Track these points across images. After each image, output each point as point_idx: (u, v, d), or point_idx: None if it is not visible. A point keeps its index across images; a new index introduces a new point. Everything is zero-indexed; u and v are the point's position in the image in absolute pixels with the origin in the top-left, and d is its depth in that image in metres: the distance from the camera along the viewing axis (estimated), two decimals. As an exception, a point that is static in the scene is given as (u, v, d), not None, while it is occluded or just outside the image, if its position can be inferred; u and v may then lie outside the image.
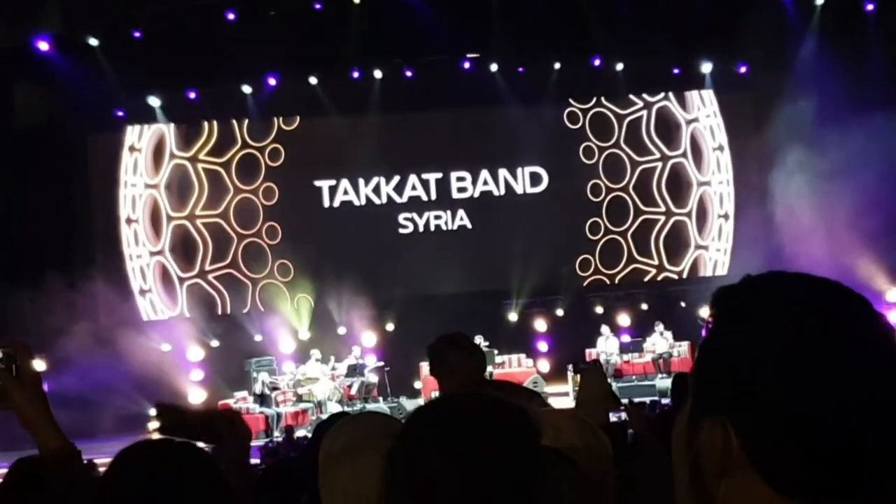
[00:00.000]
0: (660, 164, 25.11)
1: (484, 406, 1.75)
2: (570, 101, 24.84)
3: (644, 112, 25.03)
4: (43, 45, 21.20)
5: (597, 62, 24.06)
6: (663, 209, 25.10)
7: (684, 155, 25.17)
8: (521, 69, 23.91)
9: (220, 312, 23.93)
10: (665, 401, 19.00)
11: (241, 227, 24.04)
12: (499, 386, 4.43)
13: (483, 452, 1.66)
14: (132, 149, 23.62)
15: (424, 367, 21.74)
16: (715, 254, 25.01)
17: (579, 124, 24.89)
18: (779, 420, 1.34)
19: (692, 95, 24.93)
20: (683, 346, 22.05)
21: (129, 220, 23.57)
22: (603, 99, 24.94)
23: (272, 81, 23.28)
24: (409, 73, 23.62)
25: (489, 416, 1.73)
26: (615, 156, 25.03)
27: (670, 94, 24.96)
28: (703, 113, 24.97)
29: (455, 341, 4.73)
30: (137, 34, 21.51)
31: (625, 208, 25.10)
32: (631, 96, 24.96)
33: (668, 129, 25.11)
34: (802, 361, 1.35)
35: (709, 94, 24.87)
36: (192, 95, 23.17)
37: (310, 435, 17.01)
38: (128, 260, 23.53)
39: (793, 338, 1.37)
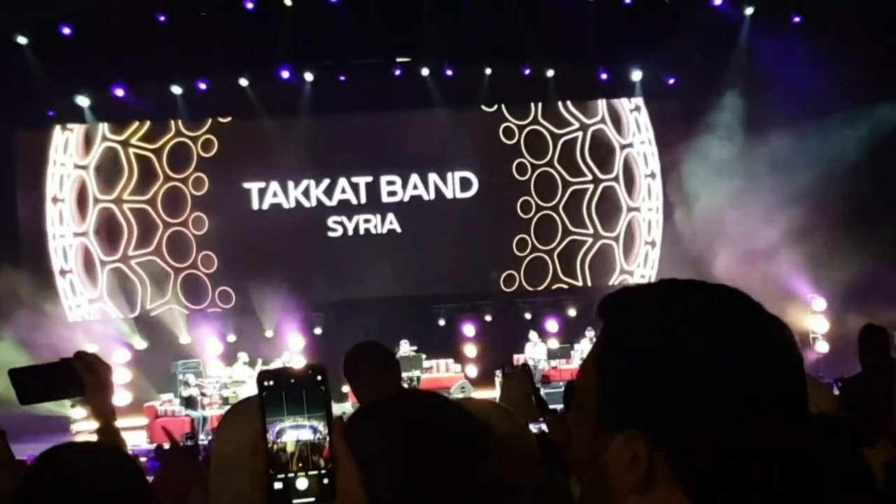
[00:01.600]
0: (591, 187, 26.32)
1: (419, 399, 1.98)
2: (507, 114, 26.07)
3: (580, 133, 26.39)
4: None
5: (527, 71, 25.16)
6: (591, 231, 26.35)
7: (616, 179, 26.33)
8: (451, 73, 24.95)
9: (140, 301, 24.43)
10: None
11: (167, 216, 24.61)
12: None
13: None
14: (63, 128, 23.74)
15: (353, 369, 22.09)
16: (640, 280, 25.68)
17: (515, 139, 26.17)
18: (701, 431, 1.36)
19: (628, 119, 26.21)
20: (613, 352, 22.61)
21: (55, 199, 23.95)
22: (540, 115, 26.14)
23: (202, 86, 24.10)
24: (341, 77, 24.46)
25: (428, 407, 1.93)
26: (548, 174, 26.22)
27: (606, 117, 26.11)
28: (637, 139, 26.38)
29: (365, 352, 4.70)
30: (67, 31, 21.97)
31: (553, 227, 26.21)
32: (567, 115, 26.12)
33: (602, 152, 26.37)
34: (717, 370, 1.38)
35: (645, 120, 25.91)
36: (121, 94, 23.81)
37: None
38: (50, 239, 23.88)
39: (706, 346, 1.40)
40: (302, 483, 1.80)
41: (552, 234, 26.14)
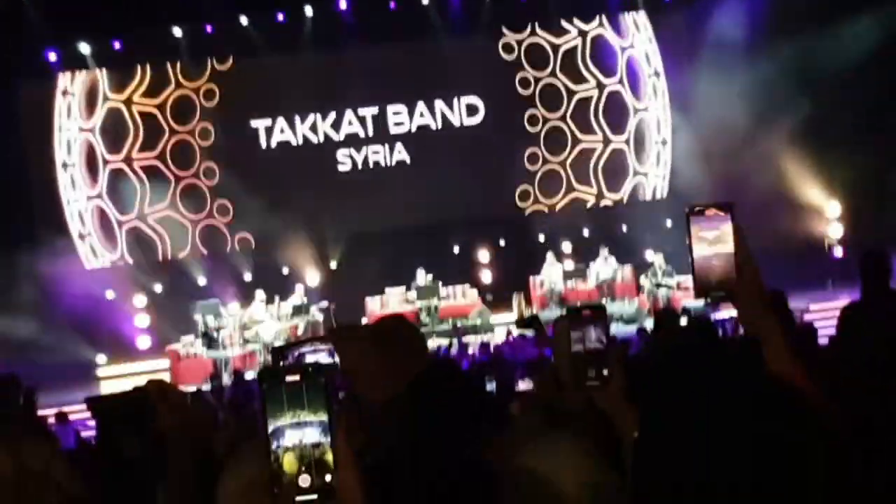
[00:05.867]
0: (596, 93, 27.20)
1: None
2: (504, 30, 26.78)
3: (579, 41, 27.15)
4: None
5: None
6: (601, 137, 27.26)
7: (621, 82, 27.26)
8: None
9: (160, 257, 25.93)
10: (614, 326, 21.05)
11: (178, 169, 25.88)
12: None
13: None
14: (65, 93, 25.38)
15: (370, 302, 23.94)
16: (654, 179, 26.98)
17: (514, 55, 26.98)
18: None
19: (627, 21, 27.10)
20: (626, 270, 24.45)
21: (64, 165, 25.29)
22: (537, 28, 26.91)
23: (204, 28, 25.13)
24: (342, 7, 25.26)
25: None
26: (551, 85, 27.02)
27: (605, 21, 26.98)
28: (638, 39, 27.11)
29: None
30: None
31: (562, 138, 27.18)
32: (565, 24, 26.99)
33: (603, 56, 27.21)
34: None
35: (643, 19, 26.79)
36: (123, 41, 24.93)
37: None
38: (65, 205, 25.46)
39: None
40: (304, 480, 1.98)
41: (562, 144, 27.14)
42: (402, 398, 3.03)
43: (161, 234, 25.81)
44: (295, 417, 2.04)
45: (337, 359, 3.20)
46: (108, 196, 25.70)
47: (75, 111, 25.49)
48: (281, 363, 2.86)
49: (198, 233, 25.96)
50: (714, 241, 2.70)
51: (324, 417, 2.04)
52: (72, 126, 25.47)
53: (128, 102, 25.73)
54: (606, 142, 27.23)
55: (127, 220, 25.75)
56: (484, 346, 20.08)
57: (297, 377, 2.06)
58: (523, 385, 12.71)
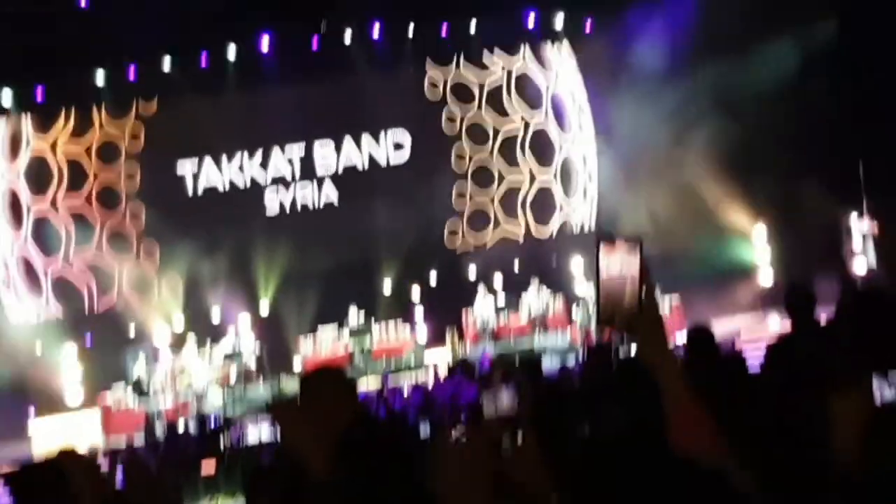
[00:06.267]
0: (522, 129, 27.42)
1: None
2: (429, 68, 27.02)
3: (504, 77, 27.30)
4: None
5: (444, 27, 26.35)
6: (528, 173, 27.44)
7: (546, 117, 27.51)
8: (375, 35, 25.96)
9: (87, 303, 25.45)
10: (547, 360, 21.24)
11: (103, 213, 25.67)
12: None
13: None
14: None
15: (302, 343, 23.81)
16: (582, 214, 27.37)
17: (440, 93, 27.11)
18: None
19: (551, 56, 27.27)
20: (559, 302, 24.66)
21: (-13, 212, 24.91)
22: (461, 64, 27.09)
23: (126, 72, 25.00)
24: (264, 47, 25.26)
25: None
26: (477, 123, 27.20)
27: (529, 57, 27.18)
28: (562, 74, 27.34)
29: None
30: None
31: (489, 175, 27.32)
32: (489, 60, 27.24)
33: (528, 92, 27.44)
34: None
35: (567, 53, 27.16)
36: (45, 86, 24.70)
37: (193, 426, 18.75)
38: (-12, 252, 25.03)
39: None
40: None
41: (489, 180, 27.31)
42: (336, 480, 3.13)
43: (87, 279, 25.51)
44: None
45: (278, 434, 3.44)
46: (32, 242, 25.39)
47: (-1, 156, 25.23)
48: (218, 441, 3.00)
49: (124, 277, 25.66)
50: (621, 274, 2.77)
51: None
52: (-6, 172, 25.19)
53: (52, 147, 25.42)
54: (533, 178, 27.44)
55: (52, 265, 25.41)
56: (417, 388, 20.03)
57: (212, 465, 2.04)
58: (456, 432, 12.30)
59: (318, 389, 4.02)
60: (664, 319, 2.84)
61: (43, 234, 25.36)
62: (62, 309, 25.33)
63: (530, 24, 26.69)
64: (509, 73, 27.31)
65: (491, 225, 27.35)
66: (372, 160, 26.82)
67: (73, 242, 25.43)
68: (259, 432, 17.92)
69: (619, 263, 2.79)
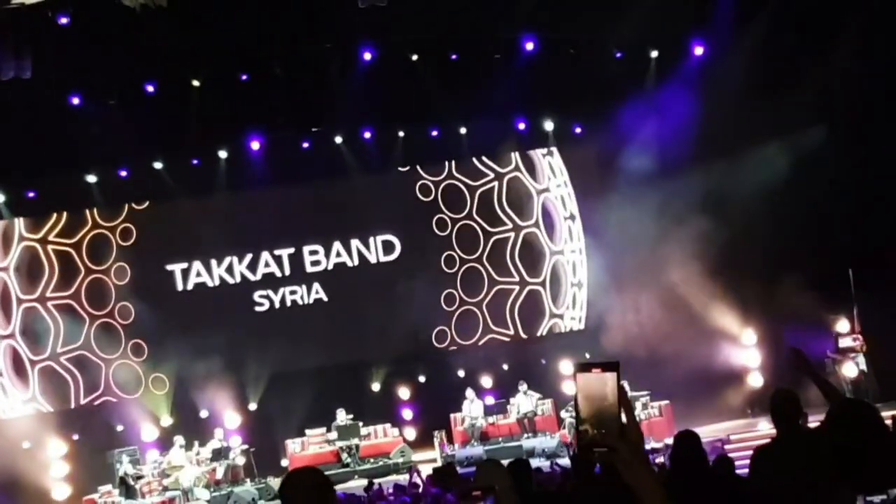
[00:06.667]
0: (512, 234, 27.66)
1: None
2: (421, 172, 27.39)
3: (495, 183, 27.72)
4: None
5: (434, 132, 26.74)
6: (517, 279, 27.59)
7: (536, 225, 27.75)
8: (364, 138, 26.33)
9: (74, 400, 25.41)
10: (534, 462, 21.21)
11: (92, 308, 25.57)
12: None
13: None
14: (-20, 226, 25.20)
15: (290, 444, 23.82)
16: (570, 321, 27.36)
17: (431, 196, 27.46)
18: None
19: (542, 165, 27.50)
20: (547, 404, 24.75)
21: (-23, 305, 24.97)
22: (454, 170, 27.52)
23: (118, 173, 25.38)
24: (254, 149, 25.62)
25: None
26: (468, 227, 27.49)
27: (521, 165, 27.60)
28: (553, 183, 27.75)
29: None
30: None
31: (479, 279, 27.47)
32: (481, 167, 27.58)
33: (519, 199, 27.78)
34: None
35: (558, 164, 27.42)
36: (37, 190, 25.18)
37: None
38: (-24, 346, 25.02)
39: None
40: None
41: (479, 285, 27.47)
42: None
43: (74, 374, 25.49)
44: None
45: None
46: (20, 335, 25.44)
47: (-10, 250, 25.36)
48: None
49: (111, 371, 25.64)
50: (599, 399, 2.81)
51: None
52: (-14, 264, 25.32)
53: (43, 242, 25.66)
54: (523, 283, 27.63)
55: (40, 359, 25.43)
56: (403, 489, 19.88)
57: None
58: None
59: (296, 490, 4.25)
60: (643, 445, 2.90)
61: (31, 327, 25.45)
62: (48, 403, 25.26)
63: (520, 128, 27.06)
64: (500, 179, 27.61)
65: (479, 329, 27.41)
66: (362, 258, 27.05)
67: (62, 337, 25.45)
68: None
69: (597, 387, 2.82)
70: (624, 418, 2.78)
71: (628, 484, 2.82)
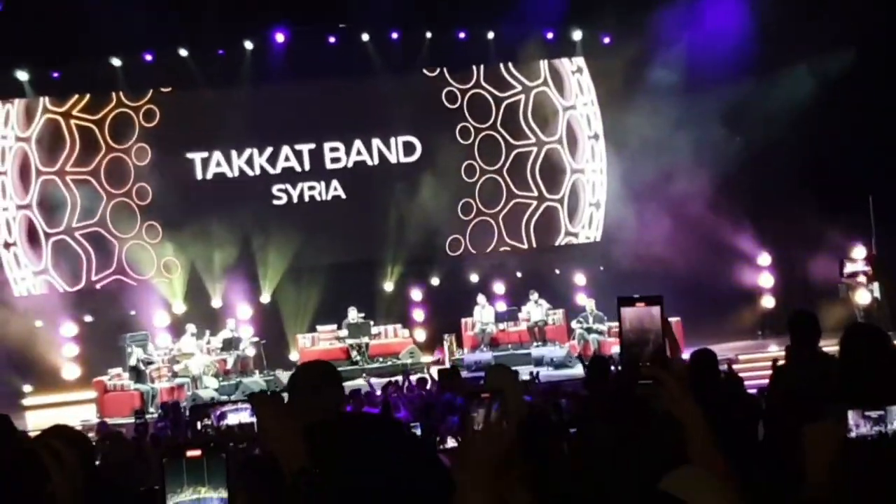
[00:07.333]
0: (535, 149, 27.63)
1: None
2: (449, 78, 27.27)
3: (522, 96, 27.62)
4: None
5: (462, 34, 26.50)
6: (536, 194, 27.69)
7: (560, 141, 27.70)
8: (391, 37, 26.20)
9: (84, 273, 25.61)
10: (542, 370, 21.48)
11: (110, 186, 25.71)
12: None
13: None
14: (4, 102, 25.31)
15: (300, 339, 24.02)
16: (584, 241, 27.38)
17: (457, 104, 27.35)
18: None
19: (570, 81, 27.49)
20: (558, 314, 24.92)
21: (-2, 172, 25.16)
22: (482, 79, 27.34)
23: (145, 58, 25.28)
24: (280, 41, 25.59)
25: None
26: (491, 138, 27.48)
27: (549, 80, 27.47)
28: (580, 100, 27.62)
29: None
30: None
31: (498, 191, 27.50)
32: (509, 78, 27.44)
33: (544, 114, 27.70)
34: None
35: (587, 82, 27.34)
36: (60, 71, 25.17)
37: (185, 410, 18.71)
38: (-7, 211, 25.27)
39: None
40: None
41: (497, 197, 27.49)
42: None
43: (87, 250, 25.64)
44: (195, 494, 2.11)
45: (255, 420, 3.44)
46: (37, 207, 25.55)
47: (13, 119, 25.39)
48: (200, 422, 2.97)
49: (125, 251, 25.80)
50: (643, 329, 2.87)
51: (224, 494, 2.11)
52: (8, 134, 25.36)
53: (66, 116, 25.68)
54: (541, 199, 27.69)
55: (54, 232, 25.57)
56: (412, 388, 19.92)
57: (198, 452, 2.13)
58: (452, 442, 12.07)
59: (303, 382, 4.27)
60: (686, 376, 2.94)
61: (48, 200, 25.56)
62: (60, 277, 25.44)
63: (548, 37, 26.91)
64: (528, 93, 27.54)
65: (494, 241, 27.49)
66: (382, 158, 27.07)
67: (78, 211, 25.58)
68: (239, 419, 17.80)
69: (640, 320, 2.87)
70: (669, 352, 2.84)
71: (671, 417, 2.86)
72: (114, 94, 25.89)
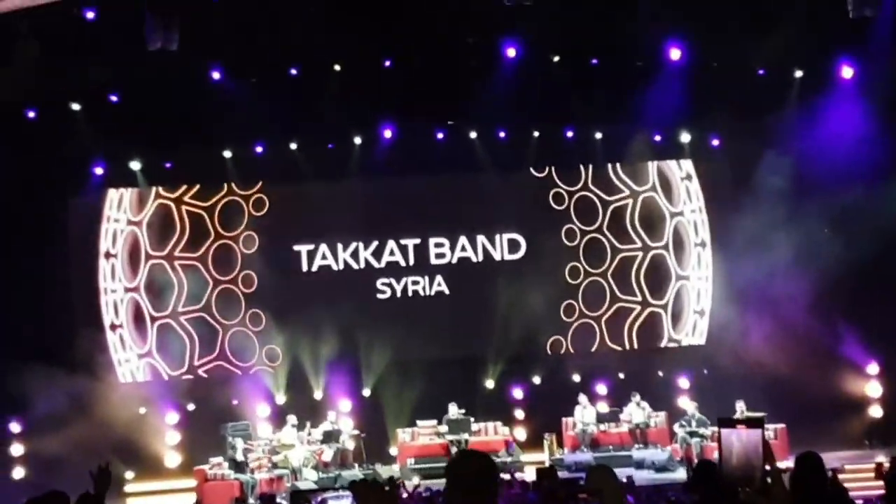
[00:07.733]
0: (640, 254, 27.54)
1: None
2: (556, 179, 27.38)
3: (630, 200, 27.58)
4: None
5: (569, 133, 26.77)
6: (640, 299, 27.55)
7: (666, 247, 27.58)
8: (500, 136, 26.46)
9: (188, 358, 25.95)
10: (643, 473, 21.22)
11: (217, 272, 26.12)
12: None
13: None
14: (117, 187, 25.88)
15: (400, 433, 24.01)
16: (687, 344, 27.12)
17: (564, 206, 27.35)
18: None
19: (679, 188, 27.43)
20: (661, 416, 24.57)
21: (107, 255, 25.83)
22: (589, 181, 27.44)
23: (255, 150, 25.87)
24: (388, 136, 25.98)
25: None
26: (597, 241, 27.46)
27: (657, 185, 27.42)
28: (688, 207, 27.53)
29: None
30: (114, 98, 23.56)
31: (601, 294, 27.42)
32: (616, 181, 27.49)
33: (651, 219, 27.59)
34: None
35: (695, 189, 27.24)
36: (172, 161, 25.96)
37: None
38: (102, 294, 25.77)
39: None
40: None
41: (600, 300, 27.27)
42: None
43: (191, 334, 25.94)
44: None
45: None
46: (145, 290, 25.96)
47: (126, 204, 25.97)
48: None
49: (228, 337, 26.05)
50: (749, 467, 2.80)
51: None
52: (121, 217, 25.91)
53: (178, 202, 26.25)
54: (645, 304, 27.47)
55: (160, 315, 25.92)
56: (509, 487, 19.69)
57: None
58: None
59: (468, 469, 3.93)
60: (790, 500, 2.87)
61: (156, 284, 25.99)
62: (163, 360, 25.80)
63: (656, 139, 26.99)
64: (635, 198, 27.51)
65: (597, 342, 27.26)
66: (486, 254, 27.16)
67: (185, 296, 25.95)
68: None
69: (747, 455, 2.92)
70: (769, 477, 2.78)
71: None
72: (224, 185, 26.36)
